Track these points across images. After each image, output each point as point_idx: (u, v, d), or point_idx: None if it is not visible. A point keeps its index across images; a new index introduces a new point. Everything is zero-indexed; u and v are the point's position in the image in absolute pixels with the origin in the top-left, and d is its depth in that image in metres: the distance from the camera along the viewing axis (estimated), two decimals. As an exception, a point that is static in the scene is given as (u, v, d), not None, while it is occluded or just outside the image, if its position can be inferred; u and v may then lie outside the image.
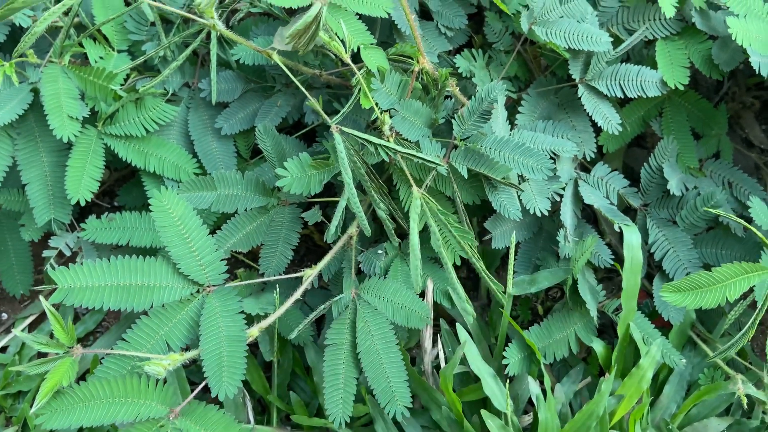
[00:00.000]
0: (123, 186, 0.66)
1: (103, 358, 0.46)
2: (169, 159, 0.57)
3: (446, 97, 0.54)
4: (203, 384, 0.46)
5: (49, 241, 0.57)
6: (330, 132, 0.59)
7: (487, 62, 0.60)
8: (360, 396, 0.54)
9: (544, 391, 0.51)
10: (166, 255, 0.48)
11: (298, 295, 0.51)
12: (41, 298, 0.43)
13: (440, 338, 0.56)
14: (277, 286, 0.53)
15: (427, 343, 0.56)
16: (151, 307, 0.47)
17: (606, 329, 0.60)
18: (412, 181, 0.46)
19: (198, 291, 0.49)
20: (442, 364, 0.55)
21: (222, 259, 0.50)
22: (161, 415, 0.43)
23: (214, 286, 0.49)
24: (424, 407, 0.56)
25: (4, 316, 0.68)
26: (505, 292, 0.53)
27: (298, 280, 0.52)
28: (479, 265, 0.45)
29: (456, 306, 0.57)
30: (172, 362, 0.44)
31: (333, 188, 0.60)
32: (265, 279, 0.53)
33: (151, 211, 0.55)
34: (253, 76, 0.60)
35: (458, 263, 0.53)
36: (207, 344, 0.47)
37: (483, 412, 0.49)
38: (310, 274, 0.52)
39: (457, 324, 0.53)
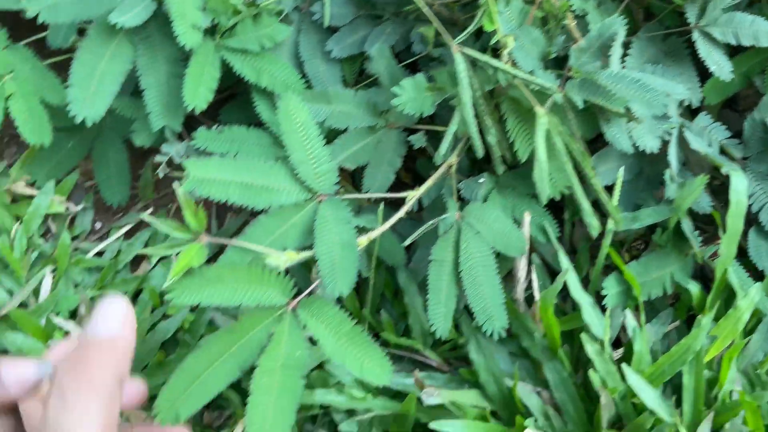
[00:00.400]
0: (224, 107, 0.68)
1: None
2: (280, 77, 0.58)
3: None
4: (314, 285, 0.48)
5: (162, 146, 0.59)
6: (439, 60, 0.60)
7: (598, 4, 0.60)
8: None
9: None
10: (285, 160, 0.50)
11: (402, 213, 0.53)
12: (175, 185, 0.44)
13: (534, 269, 0.57)
14: (382, 203, 0.54)
15: (521, 273, 0.57)
16: (270, 208, 0.49)
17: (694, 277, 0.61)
18: (534, 101, 0.47)
19: (311, 198, 0.50)
20: (536, 295, 0.56)
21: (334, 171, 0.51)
22: (280, 304, 0.45)
23: (326, 195, 0.51)
24: (513, 335, 0.57)
25: (98, 225, 0.71)
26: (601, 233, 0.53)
27: (395, 207, 0.53)
28: (598, 185, 0.45)
29: (550, 240, 0.58)
30: (289, 258, 0.46)
31: (434, 119, 0.61)
32: (370, 195, 0.55)
33: (263, 123, 0.57)
34: (363, 3, 0.61)
35: (557, 198, 0.54)
36: (321, 247, 0.48)
37: (582, 335, 0.50)
38: (413, 195, 0.53)
39: (560, 252, 0.54)
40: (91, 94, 0.55)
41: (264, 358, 0.43)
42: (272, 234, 0.49)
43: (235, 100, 0.68)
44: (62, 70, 0.62)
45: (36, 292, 0.61)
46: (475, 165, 0.67)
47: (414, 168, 0.67)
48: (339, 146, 0.55)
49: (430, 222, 0.53)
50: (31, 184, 0.69)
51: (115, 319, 0.30)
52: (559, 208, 0.64)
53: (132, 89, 0.64)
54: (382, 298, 0.62)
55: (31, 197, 0.68)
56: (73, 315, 0.61)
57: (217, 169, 0.48)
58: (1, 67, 0.57)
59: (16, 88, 0.57)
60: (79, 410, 0.28)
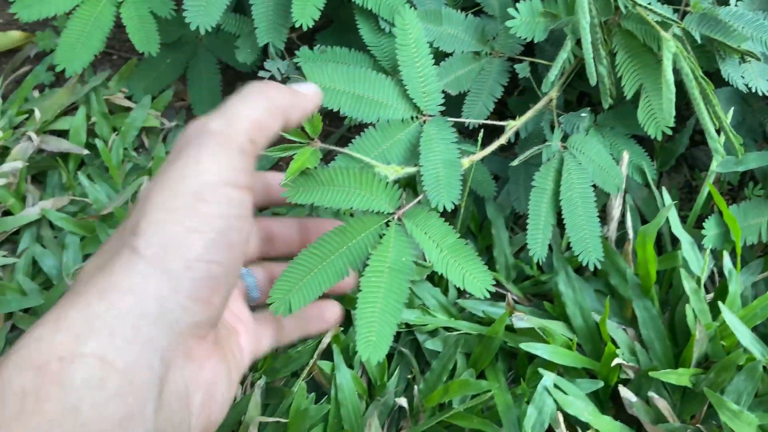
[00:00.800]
0: (320, 33, 0.68)
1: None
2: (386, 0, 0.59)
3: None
4: (419, 198, 0.49)
5: (265, 63, 0.60)
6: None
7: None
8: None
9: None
10: (395, 77, 0.50)
11: (503, 139, 0.53)
12: (296, 86, 0.45)
13: (628, 209, 0.57)
14: (482, 129, 0.55)
15: (615, 211, 0.57)
16: (378, 121, 0.50)
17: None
18: (658, 28, 0.47)
19: (417, 117, 0.51)
20: (629, 234, 0.56)
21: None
22: (388, 211, 0.46)
23: (430, 115, 0.51)
24: (600, 273, 0.57)
25: (187, 145, 0.72)
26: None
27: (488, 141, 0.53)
28: (720, 113, 0.45)
29: (645, 182, 0.58)
30: (395, 171, 0.47)
31: (534, 53, 0.60)
32: (469, 120, 0.55)
33: (367, 45, 0.58)
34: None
35: (659, 138, 0.54)
36: (426, 163, 0.49)
37: (681, 270, 0.50)
38: (514, 124, 0.53)
39: (663, 189, 0.54)
40: (205, 3, 0.56)
41: (373, 260, 0.43)
42: (378, 147, 0.49)
43: (331, 26, 0.68)
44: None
45: (134, 198, 0.63)
46: (569, 106, 0.67)
47: (500, 111, 0.67)
48: (444, 69, 0.56)
49: (536, 147, 0.53)
50: (128, 98, 0.71)
51: (308, 87, 0.41)
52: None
53: (234, 7, 0.65)
54: (466, 231, 0.63)
55: (127, 109, 0.70)
56: (167, 223, 0.63)
57: (333, 76, 0.48)
58: (118, -26, 0.59)
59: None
60: (250, 102, 0.35)
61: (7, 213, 0.61)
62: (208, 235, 0.31)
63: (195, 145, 0.33)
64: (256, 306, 0.46)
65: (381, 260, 0.44)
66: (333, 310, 0.48)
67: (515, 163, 0.51)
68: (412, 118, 0.51)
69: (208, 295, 0.31)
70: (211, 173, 0.32)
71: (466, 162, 0.51)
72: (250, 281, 0.46)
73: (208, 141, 0.33)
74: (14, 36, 0.76)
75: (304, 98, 0.40)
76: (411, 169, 0.49)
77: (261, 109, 0.36)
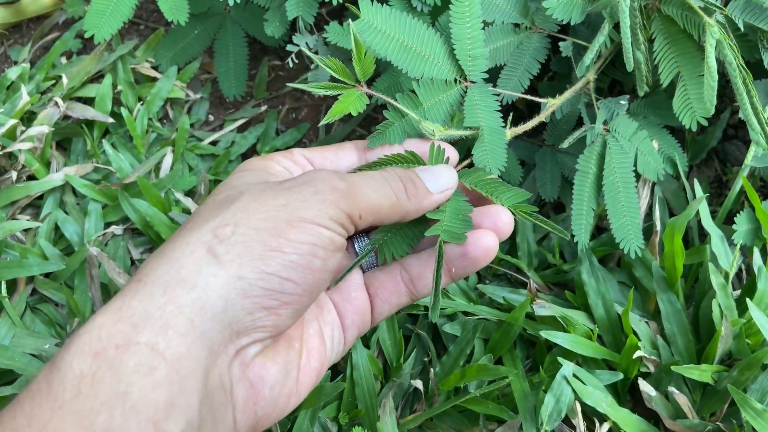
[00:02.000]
0: (349, 11, 0.67)
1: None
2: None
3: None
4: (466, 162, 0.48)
5: (294, 36, 0.60)
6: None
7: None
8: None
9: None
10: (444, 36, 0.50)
11: (542, 117, 0.52)
12: (349, 22, 0.44)
13: (657, 201, 0.56)
14: (512, 112, 0.53)
15: (643, 201, 0.55)
16: (422, 77, 0.48)
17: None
18: (702, 13, 0.45)
19: (461, 80, 0.50)
20: (656, 225, 0.55)
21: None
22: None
23: (473, 82, 0.50)
24: (623, 265, 0.56)
25: (211, 117, 0.72)
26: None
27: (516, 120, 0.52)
28: (758, 104, 0.43)
29: (676, 173, 0.57)
30: (440, 130, 0.46)
31: (567, 33, 0.59)
32: (506, 92, 0.54)
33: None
34: None
35: (694, 128, 0.52)
36: (471, 124, 0.48)
37: (710, 265, 0.49)
38: (553, 103, 0.52)
39: (695, 180, 0.52)
40: (236, -28, 0.55)
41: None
42: (420, 105, 0.48)
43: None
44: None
45: (157, 169, 0.63)
46: (601, 93, 0.65)
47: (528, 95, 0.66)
48: (484, 39, 0.54)
49: (583, 129, 0.52)
50: (155, 68, 0.70)
51: (443, 185, 0.42)
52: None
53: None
54: (490, 215, 0.62)
55: (153, 80, 0.69)
56: (188, 194, 0.63)
57: (385, 19, 0.47)
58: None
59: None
60: (382, 193, 0.38)
61: (32, 178, 0.61)
62: (289, 256, 0.33)
63: (312, 188, 0.35)
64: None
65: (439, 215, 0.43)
66: (486, 241, 0.43)
67: (565, 144, 0.50)
68: (455, 80, 0.49)
69: (276, 306, 0.33)
70: (311, 213, 0.34)
71: (508, 133, 0.50)
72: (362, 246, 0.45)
73: (325, 191, 0.35)
74: (43, 2, 0.76)
75: (431, 202, 0.41)
76: (456, 132, 0.48)
77: (386, 204, 0.38)
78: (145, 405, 0.28)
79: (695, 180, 0.53)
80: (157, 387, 0.29)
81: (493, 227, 0.43)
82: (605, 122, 0.53)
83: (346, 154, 0.45)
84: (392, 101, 0.46)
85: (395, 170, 0.41)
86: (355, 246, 0.44)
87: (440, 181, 0.42)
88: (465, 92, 0.49)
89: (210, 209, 0.35)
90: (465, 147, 0.57)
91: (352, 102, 0.42)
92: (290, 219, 0.33)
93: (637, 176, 0.53)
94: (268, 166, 0.41)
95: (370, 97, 0.46)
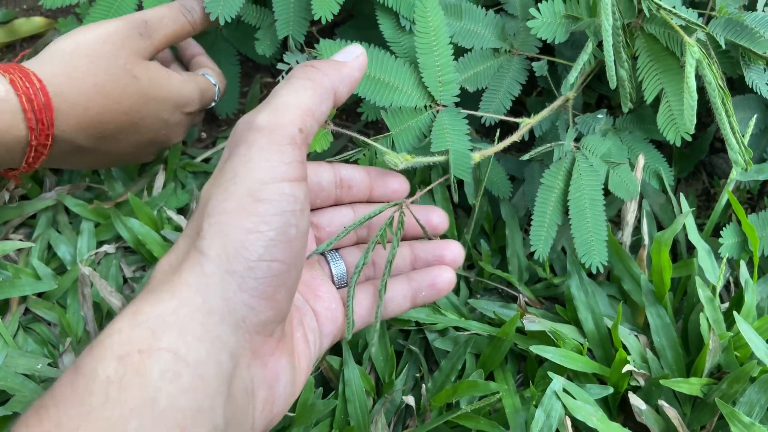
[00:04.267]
0: (341, 27, 0.68)
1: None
2: (406, -4, 0.58)
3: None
4: (429, 187, 0.49)
5: (284, 55, 0.60)
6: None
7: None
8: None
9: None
10: (413, 62, 0.50)
11: (516, 136, 0.52)
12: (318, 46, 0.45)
13: (644, 215, 0.56)
14: (498, 129, 0.54)
15: (630, 216, 0.56)
16: (390, 106, 0.50)
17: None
18: (682, 33, 0.46)
19: (431, 105, 0.51)
20: (645, 239, 0.55)
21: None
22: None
23: (445, 106, 0.51)
24: (613, 278, 0.57)
25: (203, 135, 0.73)
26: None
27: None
28: (736, 125, 0.44)
29: (662, 188, 0.58)
30: (405, 160, 0.47)
31: (553, 51, 0.60)
32: (486, 114, 0.54)
33: (387, 42, 0.57)
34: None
35: (678, 144, 0.53)
36: (438, 149, 0.49)
37: (697, 279, 0.50)
38: (529, 122, 0.53)
39: (681, 195, 0.53)
40: (226, -6, 0.56)
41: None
42: (389, 131, 0.49)
43: (352, 20, 0.68)
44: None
45: (149, 187, 0.64)
46: (588, 109, 0.66)
47: (517, 111, 0.67)
48: (462, 65, 0.55)
49: (547, 144, 0.52)
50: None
51: (352, 53, 0.42)
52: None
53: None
54: (480, 230, 0.62)
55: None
56: (180, 212, 0.63)
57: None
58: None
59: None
60: (295, 89, 0.37)
61: (24, 197, 0.62)
62: (267, 234, 0.32)
63: (245, 143, 0.34)
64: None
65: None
66: (446, 276, 0.46)
67: (526, 157, 0.51)
68: (426, 107, 0.51)
69: (272, 292, 0.33)
70: (262, 170, 0.33)
71: (477, 156, 0.51)
72: (337, 266, 0.46)
73: (256, 137, 0.34)
74: (37, 22, 0.77)
75: (350, 69, 0.41)
76: (422, 159, 0.48)
77: (308, 95, 0.37)
78: (173, 411, 0.28)
79: (681, 195, 0.54)
80: (183, 393, 0.29)
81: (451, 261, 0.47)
82: (577, 139, 0.54)
83: (324, 170, 0.46)
84: (355, 135, 0.47)
85: (298, 65, 0.41)
86: (330, 264, 0.46)
87: (348, 51, 0.42)
88: (435, 116, 0.50)
89: (195, 209, 0.36)
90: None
91: (318, 141, 0.43)
92: (250, 189, 0.33)
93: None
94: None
95: (335, 134, 0.47)
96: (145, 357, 0.29)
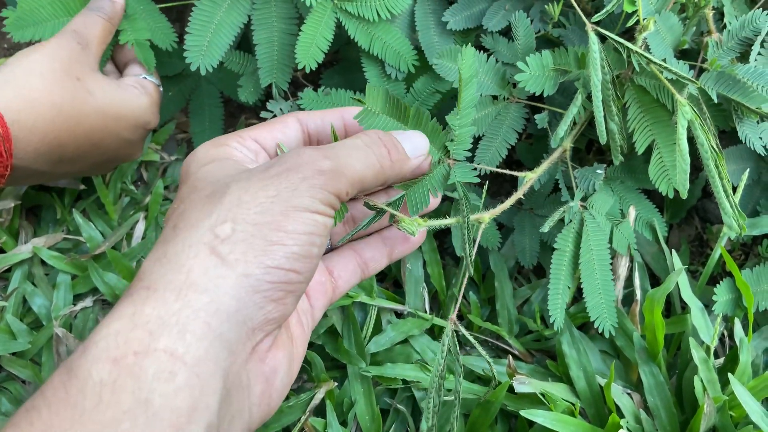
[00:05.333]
0: (326, 72, 0.67)
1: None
2: (392, 46, 0.57)
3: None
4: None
5: (268, 103, 0.59)
6: (554, 41, 0.58)
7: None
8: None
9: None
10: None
11: (520, 193, 0.50)
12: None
13: (636, 267, 0.55)
14: (488, 181, 0.53)
15: (622, 270, 0.55)
16: None
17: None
18: (674, 90, 0.45)
19: (445, 158, 0.48)
20: (637, 294, 0.54)
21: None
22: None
23: (457, 161, 0.49)
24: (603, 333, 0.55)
25: (187, 178, 0.71)
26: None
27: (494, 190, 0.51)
28: (728, 186, 0.43)
29: (655, 239, 0.56)
30: (419, 225, 0.45)
31: (542, 100, 0.59)
32: (483, 167, 0.53)
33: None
34: (483, -24, 0.59)
35: (671, 195, 0.52)
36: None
37: (690, 340, 0.48)
38: (531, 177, 0.51)
39: (673, 251, 0.52)
40: (207, 43, 0.54)
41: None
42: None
43: (337, 65, 0.67)
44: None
45: (129, 236, 0.62)
46: (578, 154, 0.65)
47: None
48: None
49: (561, 209, 0.51)
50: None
51: (419, 150, 0.44)
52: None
53: (237, 45, 0.64)
54: (469, 280, 0.61)
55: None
56: (162, 262, 0.61)
57: (384, 104, 0.45)
58: (118, 7, 0.57)
59: (128, 26, 0.58)
60: (366, 161, 0.39)
61: (0, 250, 0.60)
62: (291, 248, 0.33)
63: (299, 174, 0.35)
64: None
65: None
66: (418, 235, 0.47)
67: (545, 228, 0.49)
68: (439, 160, 0.48)
69: (282, 296, 0.34)
70: (303, 202, 0.34)
71: (486, 216, 0.49)
72: None
73: (312, 176, 0.35)
74: (17, 61, 0.75)
75: (410, 167, 0.43)
76: (435, 222, 0.47)
77: (371, 173, 0.39)
78: (167, 411, 0.28)
79: (674, 252, 0.52)
80: (178, 392, 0.29)
81: None
82: (583, 198, 0.52)
83: (291, 130, 0.45)
84: (367, 200, 0.45)
85: (377, 133, 0.41)
86: None
87: (417, 146, 0.43)
88: (449, 170, 0.48)
89: (200, 205, 0.35)
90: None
91: (337, 213, 0.41)
92: (285, 210, 0.34)
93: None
94: (230, 154, 0.40)
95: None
96: (141, 358, 0.29)
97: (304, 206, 0.34)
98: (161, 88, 0.60)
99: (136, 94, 0.55)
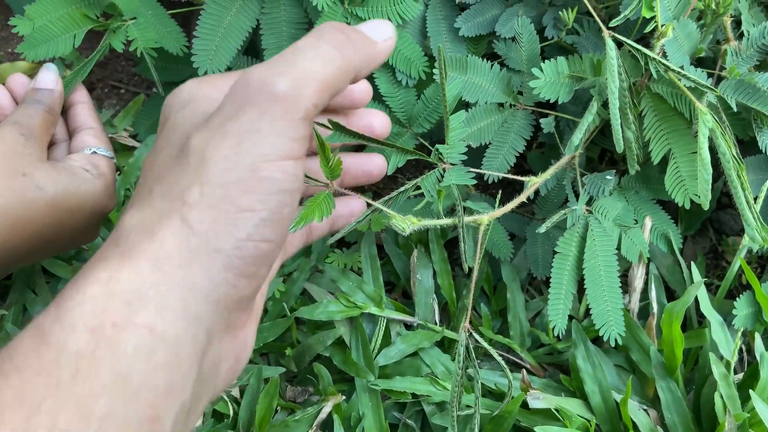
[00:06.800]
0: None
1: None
2: (403, 52, 0.56)
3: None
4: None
5: (275, 109, 0.58)
6: (568, 48, 0.57)
7: (749, 6, 0.56)
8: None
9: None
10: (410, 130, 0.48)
11: (523, 197, 0.49)
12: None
13: (652, 279, 0.54)
14: (500, 189, 0.52)
15: (638, 282, 0.53)
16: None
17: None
18: (694, 98, 0.44)
19: (439, 162, 0.48)
20: (653, 306, 0.53)
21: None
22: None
23: (452, 164, 0.48)
24: (620, 347, 0.54)
25: (192, 186, 0.70)
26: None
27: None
28: (750, 197, 0.42)
29: (670, 250, 0.55)
30: (412, 223, 0.44)
31: (555, 107, 0.58)
32: (490, 173, 0.52)
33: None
34: (496, -18, 0.58)
35: (687, 206, 0.50)
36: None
37: (711, 355, 0.47)
38: (535, 181, 0.50)
39: (692, 263, 0.50)
40: (215, 47, 0.53)
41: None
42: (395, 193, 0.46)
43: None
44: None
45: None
46: (590, 164, 0.64)
47: (517, 164, 0.64)
48: (466, 120, 0.53)
49: (562, 212, 0.50)
50: (133, 136, 0.68)
51: (383, 33, 0.38)
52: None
53: (244, 50, 0.63)
54: (480, 292, 0.59)
55: (132, 149, 0.67)
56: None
57: None
58: (127, 10, 0.56)
59: (138, 35, 0.57)
60: (322, 57, 0.33)
61: (0, 255, 0.59)
62: (259, 214, 0.31)
63: (256, 107, 0.31)
64: None
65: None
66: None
67: (542, 229, 0.48)
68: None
69: (255, 270, 0.32)
70: (271, 146, 0.31)
71: (485, 219, 0.48)
72: None
73: (271, 106, 0.31)
74: (21, 66, 0.74)
75: (378, 53, 0.37)
76: (428, 222, 0.46)
77: (333, 68, 0.34)
78: (145, 390, 0.27)
79: (693, 265, 0.51)
80: (157, 370, 0.28)
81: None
82: (588, 202, 0.51)
83: None
84: (361, 198, 0.44)
85: (328, 24, 0.36)
86: None
87: (380, 30, 0.38)
88: (443, 174, 0.47)
89: (172, 167, 0.32)
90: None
91: (318, 206, 0.39)
92: (253, 164, 0.31)
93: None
94: (208, 94, 0.36)
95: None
96: (119, 331, 0.27)
97: (275, 153, 0.31)
98: (115, 160, 0.54)
99: (89, 179, 0.49)
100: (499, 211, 0.49)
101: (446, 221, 0.46)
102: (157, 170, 0.33)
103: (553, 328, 0.48)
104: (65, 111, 0.56)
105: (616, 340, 0.48)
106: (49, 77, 0.54)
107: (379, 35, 0.38)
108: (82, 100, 0.57)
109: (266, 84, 0.32)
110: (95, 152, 0.52)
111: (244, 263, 0.31)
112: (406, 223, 0.43)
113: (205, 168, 0.31)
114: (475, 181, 0.47)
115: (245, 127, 0.31)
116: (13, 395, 0.25)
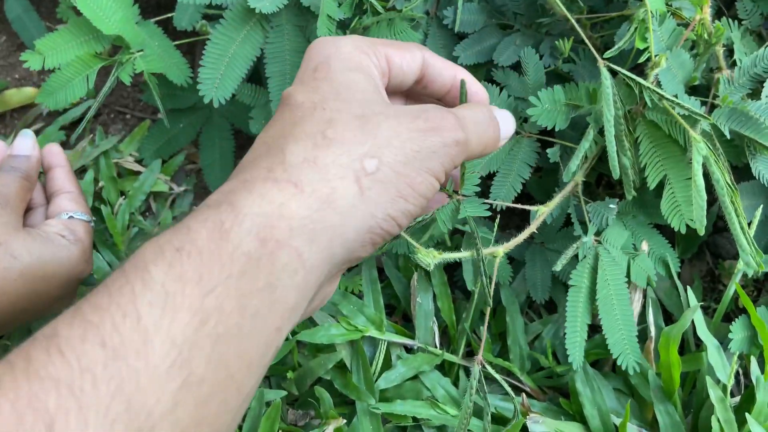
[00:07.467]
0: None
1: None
2: (404, 79, 0.57)
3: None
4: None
5: (278, 136, 0.59)
6: (564, 76, 0.58)
7: (741, 36, 0.57)
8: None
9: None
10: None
11: (533, 227, 0.50)
12: None
13: (650, 303, 0.54)
14: (499, 215, 0.52)
15: (636, 305, 0.54)
16: None
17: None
18: (687, 126, 0.45)
19: (453, 194, 0.48)
20: (651, 330, 0.53)
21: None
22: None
23: (466, 196, 0.49)
24: (619, 371, 0.54)
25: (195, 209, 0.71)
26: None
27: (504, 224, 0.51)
28: (744, 223, 0.43)
29: (667, 274, 0.56)
30: (435, 257, 0.45)
31: (553, 135, 0.59)
32: (497, 202, 0.53)
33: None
34: (494, 12, 0.60)
35: (683, 231, 0.51)
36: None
37: (707, 379, 0.47)
38: (543, 211, 0.51)
39: (688, 288, 0.51)
40: (220, 75, 0.55)
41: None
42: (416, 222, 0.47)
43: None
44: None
45: (136, 266, 0.61)
46: (588, 188, 0.65)
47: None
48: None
49: (575, 245, 0.51)
50: (139, 161, 0.69)
51: (507, 130, 0.46)
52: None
53: (248, 78, 0.64)
54: (479, 315, 0.60)
55: (137, 173, 0.69)
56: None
57: None
58: (134, 42, 0.58)
59: (146, 67, 0.58)
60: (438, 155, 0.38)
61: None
62: (409, 206, 0.37)
63: (439, 139, 0.38)
64: None
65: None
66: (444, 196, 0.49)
67: (558, 267, 0.49)
68: (449, 196, 0.48)
69: (380, 242, 0.37)
70: (435, 166, 0.38)
71: (500, 251, 0.48)
72: None
73: (450, 146, 0.38)
74: (28, 92, 0.76)
75: (495, 149, 0.45)
76: (450, 255, 0.46)
77: (479, 150, 0.42)
78: (281, 303, 0.31)
79: (689, 289, 0.52)
80: (293, 290, 0.32)
81: None
82: (597, 232, 0.52)
83: (413, 62, 0.44)
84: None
85: (491, 110, 0.44)
86: None
87: (509, 129, 0.46)
88: (459, 205, 0.48)
89: (353, 126, 0.36)
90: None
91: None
92: (420, 168, 0.36)
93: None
94: (370, 70, 0.40)
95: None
96: (278, 247, 0.31)
97: (435, 171, 0.37)
98: (92, 224, 0.55)
99: (65, 246, 0.50)
100: (512, 243, 0.49)
101: (465, 254, 0.47)
102: (330, 118, 0.36)
103: (572, 363, 0.49)
104: (43, 174, 0.57)
105: (614, 362, 0.49)
106: (26, 144, 0.54)
107: (507, 134, 0.45)
108: (60, 163, 0.57)
109: (454, 128, 0.38)
110: (72, 217, 0.52)
111: (380, 234, 0.36)
112: (430, 258, 0.44)
113: (388, 150, 0.36)
114: (489, 213, 0.48)
115: (428, 143, 0.37)
116: (193, 273, 0.29)
